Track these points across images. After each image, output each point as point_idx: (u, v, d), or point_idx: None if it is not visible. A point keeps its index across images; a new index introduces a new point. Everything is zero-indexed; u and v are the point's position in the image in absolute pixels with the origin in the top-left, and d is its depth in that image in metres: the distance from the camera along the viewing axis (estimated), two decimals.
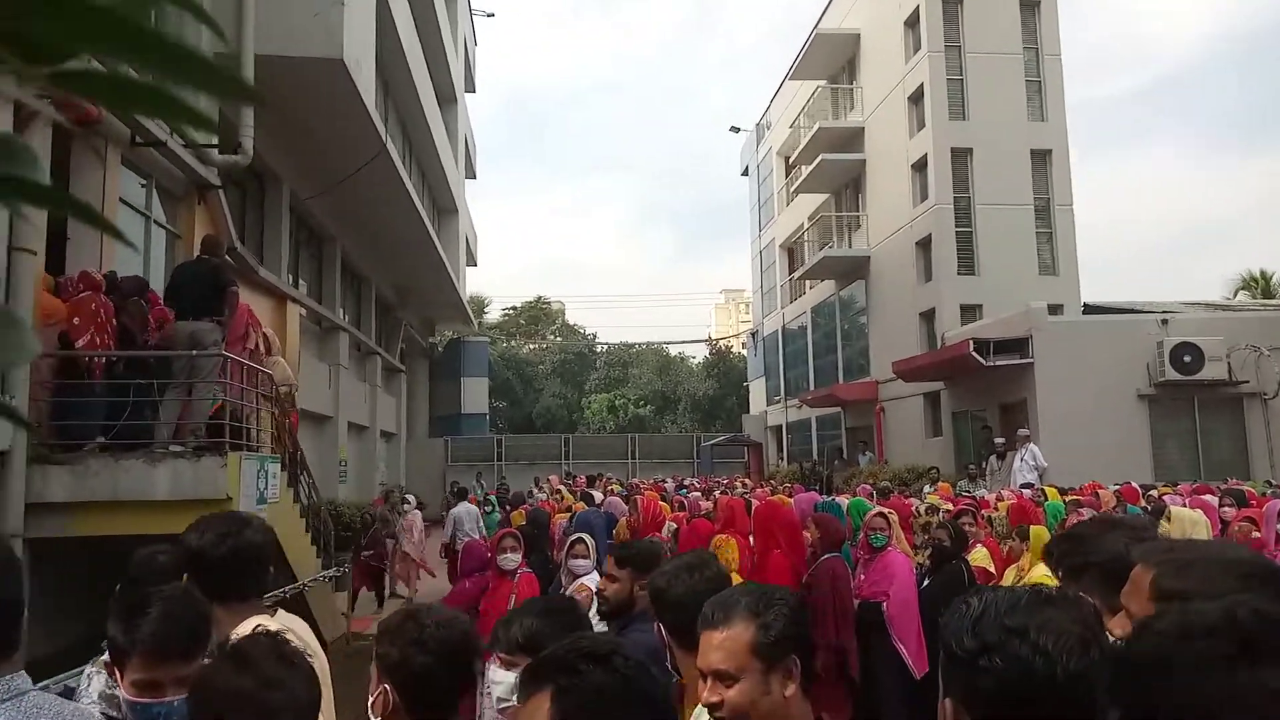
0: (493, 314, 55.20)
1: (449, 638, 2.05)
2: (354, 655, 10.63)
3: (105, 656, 2.15)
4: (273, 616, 2.52)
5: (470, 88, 32.62)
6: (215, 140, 10.67)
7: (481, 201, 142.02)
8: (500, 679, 2.44)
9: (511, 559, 6.07)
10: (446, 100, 25.56)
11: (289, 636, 2.08)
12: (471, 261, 33.61)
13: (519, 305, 56.05)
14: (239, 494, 7.65)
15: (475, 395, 33.90)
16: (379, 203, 17.42)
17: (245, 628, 2.25)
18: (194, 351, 8.01)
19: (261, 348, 9.83)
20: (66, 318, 7.46)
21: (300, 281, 17.06)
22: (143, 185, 10.18)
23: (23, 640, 1.91)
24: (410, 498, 15.16)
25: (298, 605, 9.45)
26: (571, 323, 59.13)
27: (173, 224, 10.88)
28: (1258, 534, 6.92)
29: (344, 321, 19.25)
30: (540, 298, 57.00)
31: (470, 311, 32.03)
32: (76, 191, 8.66)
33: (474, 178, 35.04)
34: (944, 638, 1.37)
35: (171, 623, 2.08)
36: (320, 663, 2.24)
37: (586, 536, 6.26)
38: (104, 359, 7.78)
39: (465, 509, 13.07)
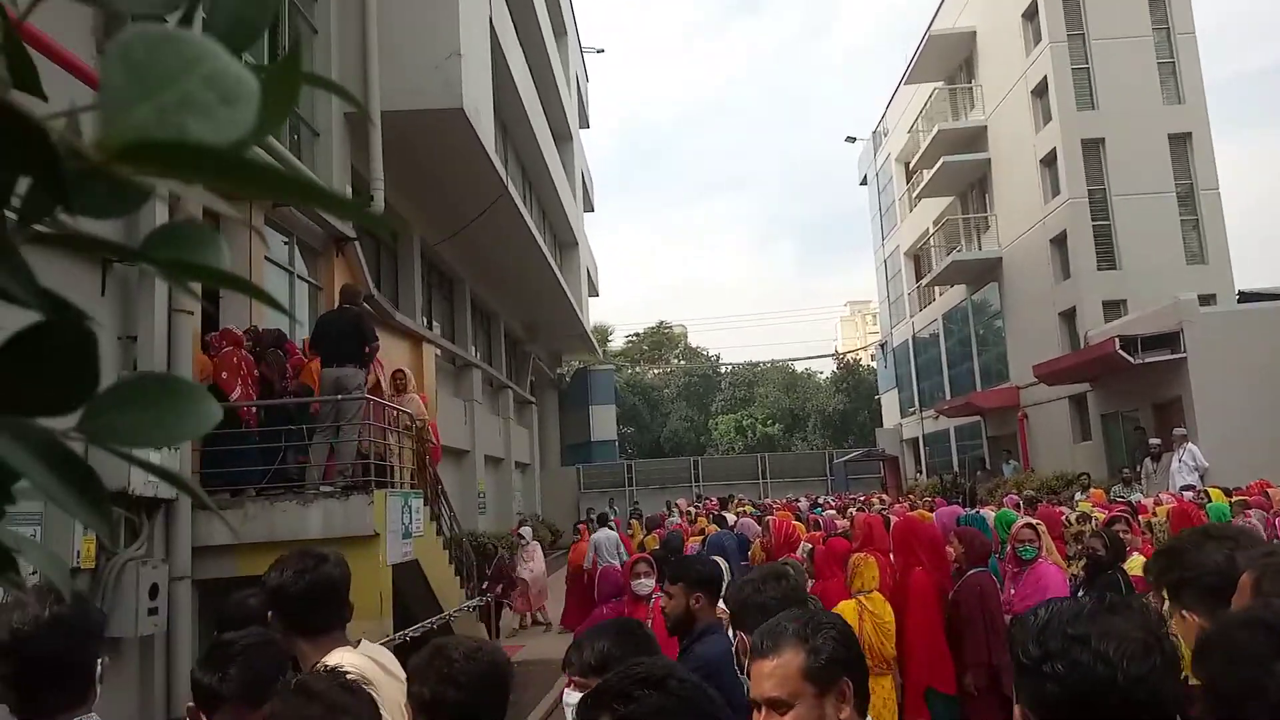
0: (616, 341, 55.94)
1: (478, 670, 2.06)
2: None
3: (190, 703, 2.25)
4: (356, 647, 2.59)
5: (584, 123, 33.35)
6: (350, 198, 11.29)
7: (600, 231, 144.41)
8: (573, 701, 2.47)
9: (645, 584, 6.11)
10: (562, 138, 26.20)
11: (365, 664, 2.24)
12: (593, 292, 34.19)
13: (641, 331, 56.62)
14: (385, 529, 7.99)
15: (603, 422, 34.34)
16: (503, 242, 17.99)
17: (332, 659, 2.35)
18: (339, 396, 8.45)
19: (388, 388, 10.29)
20: (215, 373, 8.00)
21: (434, 323, 17.75)
22: (285, 242, 10.83)
23: (97, 693, 2.12)
24: (525, 530, 15.39)
25: (445, 636, 9.77)
26: (694, 345, 59.33)
27: (314, 277, 11.53)
28: None
29: (476, 358, 19.88)
30: (662, 323, 57.47)
31: (594, 340, 32.56)
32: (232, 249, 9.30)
33: (592, 210, 35.72)
34: (1011, 647, 1.45)
35: (255, 672, 2.17)
36: (398, 688, 2.30)
37: (720, 560, 6.26)
38: (255, 409, 8.29)
39: (605, 535, 13.22)
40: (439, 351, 16.59)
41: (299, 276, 11.19)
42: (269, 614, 2.60)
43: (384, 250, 15.46)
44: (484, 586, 12.96)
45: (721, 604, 3.83)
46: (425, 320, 16.66)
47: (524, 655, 12.50)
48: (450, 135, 12.75)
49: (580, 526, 14.60)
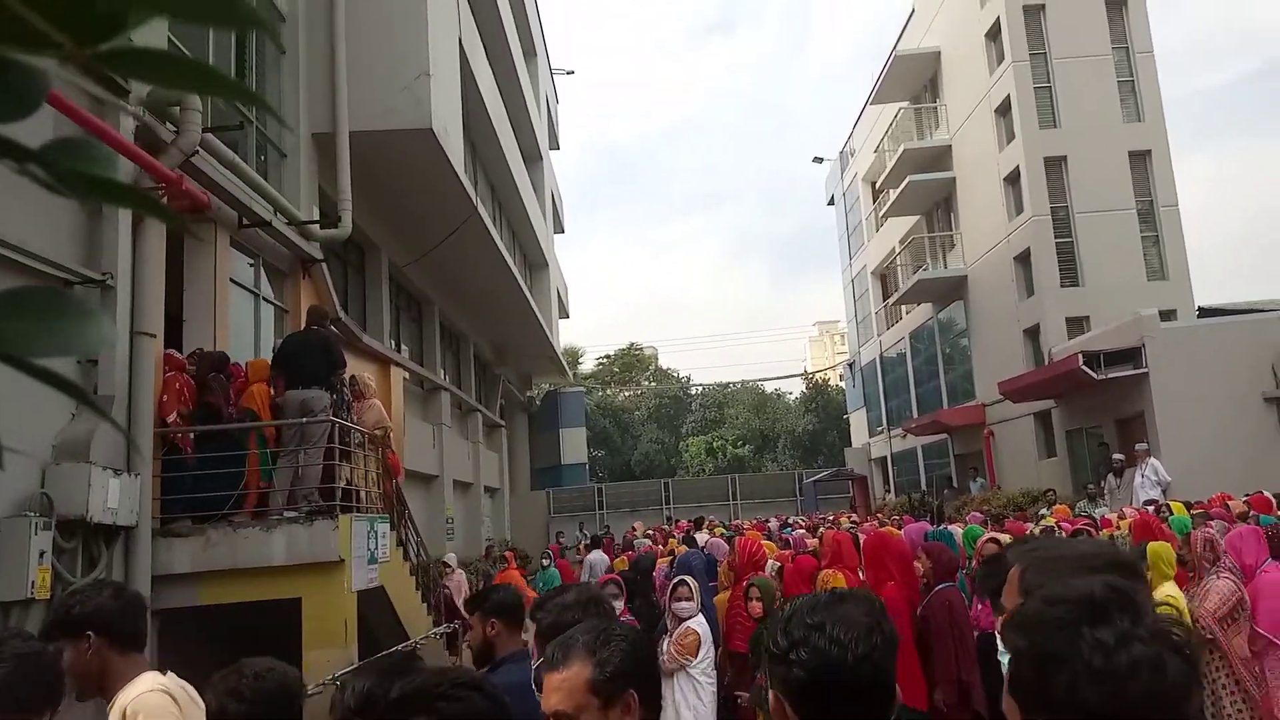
0: (587, 364, 55.86)
1: (265, 688, 2.19)
2: None
3: None
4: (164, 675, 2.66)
5: (554, 144, 33.44)
6: (316, 217, 11.21)
7: (571, 251, 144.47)
8: None
9: (613, 605, 6.06)
10: (532, 159, 26.23)
11: (175, 687, 2.40)
12: (564, 313, 34.14)
13: (612, 353, 56.57)
14: (351, 555, 7.87)
15: (574, 445, 34.21)
16: (473, 264, 17.93)
17: (144, 681, 2.49)
18: (304, 419, 8.35)
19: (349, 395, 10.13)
20: (157, 396, 7.86)
21: (402, 345, 17.61)
22: (250, 264, 10.72)
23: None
24: (450, 557, 14.73)
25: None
26: (665, 367, 59.37)
27: (280, 299, 11.41)
28: None
29: (445, 381, 19.74)
30: (633, 344, 57.45)
31: (565, 363, 32.49)
32: (190, 274, 9.19)
33: (562, 232, 35.73)
34: (765, 640, 1.59)
35: (17, 680, 2.19)
36: (201, 716, 2.39)
37: (689, 579, 6.23)
38: (192, 434, 8.13)
39: (599, 556, 13.13)
40: (407, 375, 16.47)
41: (264, 299, 11.07)
42: (89, 631, 2.63)
43: (351, 271, 15.35)
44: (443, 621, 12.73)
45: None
46: (393, 343, 16.53)
47: None
48: (419, 155, 12.72)
49: (552, 548, 14.47)
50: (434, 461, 18.24)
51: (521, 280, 21.23)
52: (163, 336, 8.11)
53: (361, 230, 13.68)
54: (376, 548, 8.69)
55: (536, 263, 27.94)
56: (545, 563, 14.13)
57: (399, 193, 14.09)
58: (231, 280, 9.96)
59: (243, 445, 8.08)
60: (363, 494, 9.37)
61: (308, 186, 11.39)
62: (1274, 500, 9.49)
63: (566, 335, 43.84)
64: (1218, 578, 5.88)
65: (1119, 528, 8.22)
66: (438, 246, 16.40)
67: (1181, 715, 1.16)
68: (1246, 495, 9.90)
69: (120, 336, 7.45)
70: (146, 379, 7.58)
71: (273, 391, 8.69)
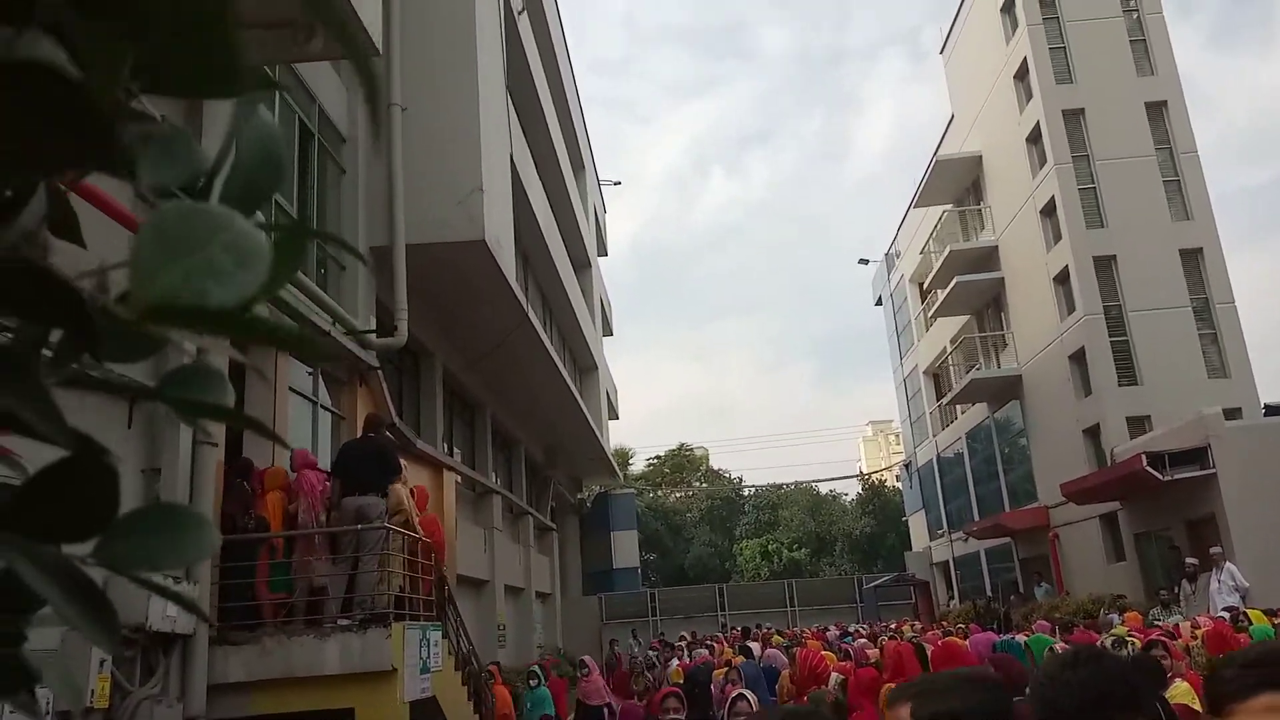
0: (637, 464, 55.66)
1: None
2: None
3: None
4: None
5: (603, 251, 34.23)
6: (372, 328, 11.55)
7: (619, 354, 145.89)
8: None
9: (675, 719, 5.92)
10: (581, 266, 26.85)
11: None
12: (613, 415, 34.28)
13: (662, 454, 56.35)
14: (403, 664, 7.83)
15: (625, 548, 33.84)
16: (524, 368, 18.21)
17: None
18: (361, 526, 8.44)
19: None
20: (216, 504, 8.02)
21: (455, 449, 17.80)
22: (310, 374, 11.03)
23: None
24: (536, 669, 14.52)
25: None
26: (716, 468, 58.86)
27: (337, 406, 11.68)
28: None
29: (496, 485, 19.82)
30: (683, 445, 57.21)
31: (615, 464, 32.44)
32: (252, 383, 9.47)
33: (610, 335, 36.23)
34: None
35: None
36: None
37: (748, 692, 6.08)
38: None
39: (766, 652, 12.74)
40: (459, 479, 16.57)
41: (322, 406, 11.34)
42: None
43: (406, 378, 15.68)
44: None
45: None
46: (446, 447, 16.71)
47: None
48: (473, 266, 13.10)
49: (545, 663, 13.98)
50: (485, 566, 18.17)
51: (571, 383, 21.46)
52: (224, 445, 8.33)
53: (416, 338, 14.03)
54: (429, 656, 8.62)
55: (586, 366, 28.25)
56: (534, 682, 13.07)
57: (453, 302, 14.48)
58: (291, 389, 10.23)
59: (252, 556, 8.13)
60: (418, 601, 9.35)
61: (365, 297, 11.77)
62: None
63: (616, 437, 43.92)
64: None
65: (1194, 637, 7.86)
66: (491, 353, 16.73)
67: None
68: None
69: (182, 446, 7.67)
70: (206, 487, 7.76)
71: (328, 497, 8.81)
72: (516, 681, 13.79)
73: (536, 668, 12.73)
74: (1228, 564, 13.85)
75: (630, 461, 53.85)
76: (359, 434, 10.02)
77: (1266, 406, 19.04)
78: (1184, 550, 16.12)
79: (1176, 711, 5.73)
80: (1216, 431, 15.89)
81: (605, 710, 13.36)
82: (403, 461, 9.79)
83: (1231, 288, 20.46)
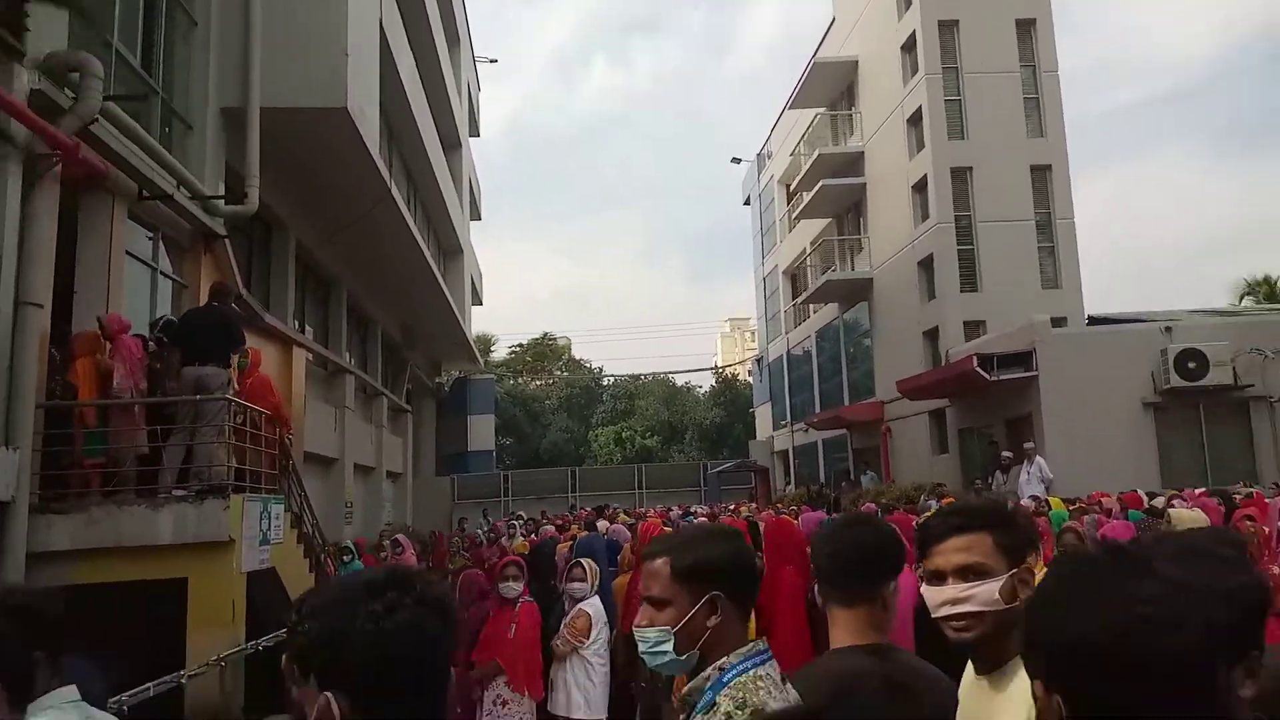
0: (499, 351, 55.46)
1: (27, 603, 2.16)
2: None
3: None
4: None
5: (474, 132, 33.09)
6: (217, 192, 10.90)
7: (487, 240, 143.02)
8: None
9: (513, 587, 6.12)
10: (450, 145, 25.91)
11: None
12: (477, 301, 33.84)
13: (525, 342, 56.29)
14: (241, 535, 7.73)
15: (482, 432, 33.99)
16: (384, 246, 17.65)
17: None
18: (200, 397, 8.15)
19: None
20: (40, 368, 7.61)
21: (306, 326, 17.25)
22: (149, 238, 10.36)
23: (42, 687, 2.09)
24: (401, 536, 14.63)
25: None
26: (578, 357, 59.31)
27: (179, 274, 11.06)
28: (1265, 527, 7.00)
29: (350, 364, 19.41)
30: (546, 334, 57.27)
31: (476, 350, 32.23)
32: (84, 244, 8.85)
33: (478, 219, 35.41)
34: None
35: None
36: None
37: (586, 560, 6.33)
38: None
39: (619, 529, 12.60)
40: (310, 356, 16.13)
41: (162, 273, 10.72)
42: None
43: (257, 249, 14.96)
44: None
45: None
46: (297, 323, 16.17)
47: None
48: (333, 135, 12.47)
49: (358, 542, 13.97)
50: (335, 445, 17.93)
51: (434, 265, 21.00)
52: (50, 308, 7.82)
53: (269, 207, 13.36)
54: (269, 528, 8.54)
55: (450, 248, 27.63)
56: (346, 558, 13.33)
57: (310, 171, 13.80)
58: (128, 253, 9.62)
59: (83, 423, 7.81)
60: (260, 474, 9.18)
61: (214, 161, 11.08)
62: (1145, 498, 10.11)
63: (479, 323, 43.50)
64: None
65: None
66: (348, 227, 16.11)
67: (442, 660, 1.33)
68: (1121, 493, 10.51)
69: (3, 305, 7.16)
70: (30, 350, 7.31)
71: (151, 365, 8.44)
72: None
73: (350, 544, 12.69)
74: (1038, 458, 15.21)
75: (492, 348, 53.56)
76: (203, 303, 9.58)
77: (1090, 317, 20.58)
78: (1001, 445, 17.51)
79: None
80: (1042, 338, 17.11)
81: None
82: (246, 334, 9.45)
83: (1073, 205, 21.72)
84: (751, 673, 1.81)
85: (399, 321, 24.18)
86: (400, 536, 14.07)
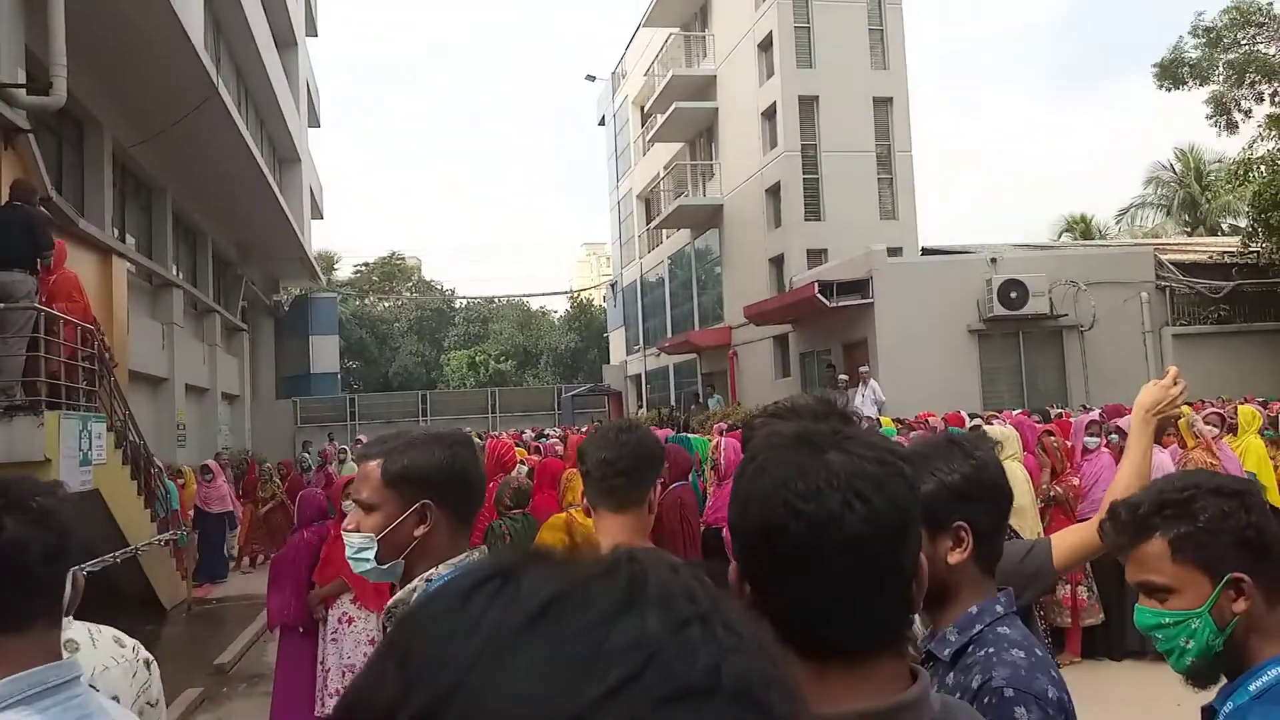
0: (343, 270, 53.29)
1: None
2: (195, 620, 10.32)
3: None
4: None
5: (312, 31, 31.08)
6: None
7: (333, 152, 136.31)
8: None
9: None
10: (285, 44, 24.30)
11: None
12: (317, 214, 32.31)
13: (371, 261, 54.27)
14: (59, 455, 7.21)
15: (325, 354, 32.84)
16: (213, 151, 16.48)
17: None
18: (2, 305, 7.47)
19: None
20: None
21: (127, 235, 16.03)
22: None
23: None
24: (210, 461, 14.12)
25: (131, 571, 9.04)
26: (429, 279, 57.81)
27: None
28: (1069, 443, 7.66)
29: (178, 278, 18.24)
30: (394, 253, 55.30)
31: (318, 267, 30.88)
32: None
33: (318, 126, 33.59)
34: None
35: None
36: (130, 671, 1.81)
37: None
38: None
39: None
40: (132, 267, 15.03)
41: None
42: None
43: (68, 147, 13.69)
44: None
45: None
46: (116, 232, 15.00)
47: (221, 592, 11.92)
48: (150, 21, 11.45)
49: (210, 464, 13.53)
50: (164, 364, 16.92)
51: (269, 173, 19.81)
52: None
53: (80, 102, 12.23)
54: (90, 448, 8.01)
55: (287, 157, 26.16)
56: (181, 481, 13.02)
57: (126, 63, 12.65)
58: None
59: None
60: (79, 392, 8.55)
61: (11, 45, 9.96)
62: (967, 418, 10.81)
63: (322, 240, 41.60)
64: None
65: None
66: (172, 127, 14.92)
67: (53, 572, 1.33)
68: (946, 414, 11.20)
69: None
70: None
71: None
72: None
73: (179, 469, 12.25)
74: (871, 381, 16.01)
75: (336, 266, 51.40)
76: (2, 203, 8.70)
77: (923, 248, 21.59)
78: (838, 368, 18.31)
79: None
80: (878, 266, 17.84)
81: (226, 518, 13.12)
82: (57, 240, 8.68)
83: (912, 138, 22.53)
84: None
85: (232, 234, 22.81)
86: (210, 462, 13.51)
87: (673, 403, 27.89)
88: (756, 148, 23.41)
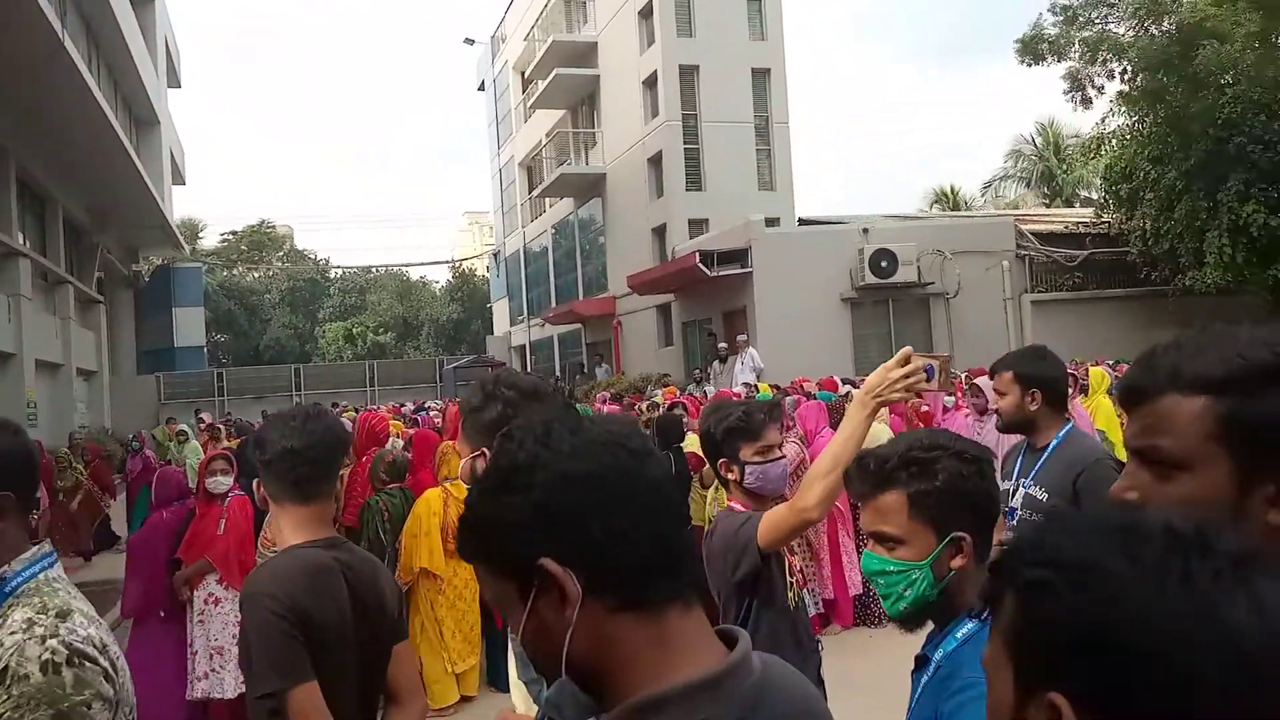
0: (209, 239, 50.83)
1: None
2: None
3: None
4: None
5: None
6: None
7: (195, 117, 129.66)
8: None
9: (221, 481, 5.74)
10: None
11: None
12: (179, 179, 30.67)
13: (240, 230, 51.91)
14: None
15: (190, 326, 31.37)
16: (61, 111, 15.41)
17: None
18: None
19: None
20: None
21: None
22: None
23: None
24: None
25: None
26: (301, 248, 55.75)
27: None
28: (926, 407, 8.00)
29: (24, 247, 17.06)
30: (264, 221, 53.01)
31: (180, 236, 29.36)
32: None
33: (179, 86, 31.76)
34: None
35: None
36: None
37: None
38: None
39: None
40: None
41: None
42: None
43: None
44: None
45: None
46: None
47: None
48: None
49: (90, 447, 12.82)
50: (10, 339, 15.86)
51: (124, 135, 18.66)
52: None
53: None
54: None
55: (145, 119, 24.71)
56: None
57: None
58: None
59: None
60: None
61: None
62: (839, 383, 11.16)
63: (186, 207, 39.54)
64: (785, 442, 6.84)
65: None
66: (14, 87, 13.87)
67: None
68: (820, 380, 11.53)
69: None
70: None
71: None
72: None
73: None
74: (750, 349, 16.35)
75: (201, 235, 48.96)
76: None
77: (800, 219, 22.07)
78: (719, 337, 18.62)
79: (687, 458, 6.76)
80: (757, 236, 18.16)
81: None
82: None
83: (789, 110, 22.92)
84: (41, 576, 1.65)
85: (85, 200, 21.42)
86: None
87: (557, 373, 27.85)
88: (638, 116, 23.40)
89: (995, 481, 1.69)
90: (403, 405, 18.21)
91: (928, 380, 2.24)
